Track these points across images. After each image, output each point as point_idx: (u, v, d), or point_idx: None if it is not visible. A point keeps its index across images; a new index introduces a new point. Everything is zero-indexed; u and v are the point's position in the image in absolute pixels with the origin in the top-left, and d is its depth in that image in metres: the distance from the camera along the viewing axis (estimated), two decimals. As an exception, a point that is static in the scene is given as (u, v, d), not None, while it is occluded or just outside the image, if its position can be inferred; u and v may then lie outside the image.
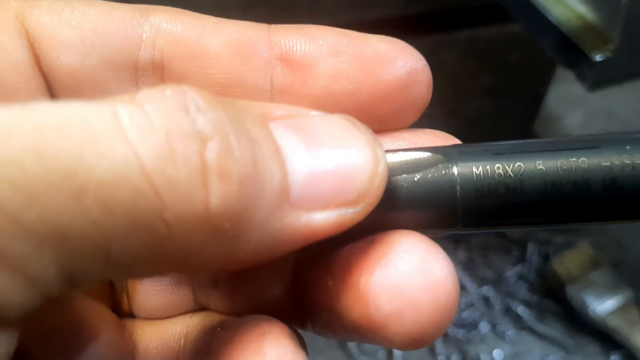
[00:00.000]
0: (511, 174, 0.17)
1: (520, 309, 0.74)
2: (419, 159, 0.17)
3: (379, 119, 0.20)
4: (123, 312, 0.22)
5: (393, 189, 0.17)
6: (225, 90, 0.20)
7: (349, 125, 0.17)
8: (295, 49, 0.20)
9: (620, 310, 0.70)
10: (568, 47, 0.45)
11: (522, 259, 0.79)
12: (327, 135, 0.17)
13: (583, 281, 0.72)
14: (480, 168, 0.17)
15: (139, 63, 0.20)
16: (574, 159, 0.16)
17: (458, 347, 0.72)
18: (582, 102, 0.92)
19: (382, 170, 0.16)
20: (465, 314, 0.74)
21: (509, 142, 0.17)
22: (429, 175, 0.17)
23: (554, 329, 0.73)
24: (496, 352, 0.71)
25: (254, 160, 0.15)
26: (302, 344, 0.19)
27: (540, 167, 0.17)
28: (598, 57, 0.43)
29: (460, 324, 0.73)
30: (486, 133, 0.75)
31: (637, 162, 0.16)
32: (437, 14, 0.63)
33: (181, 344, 0.21)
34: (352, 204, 0.16)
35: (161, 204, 0.13)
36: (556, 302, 0.74)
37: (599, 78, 0.44)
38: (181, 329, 0.21)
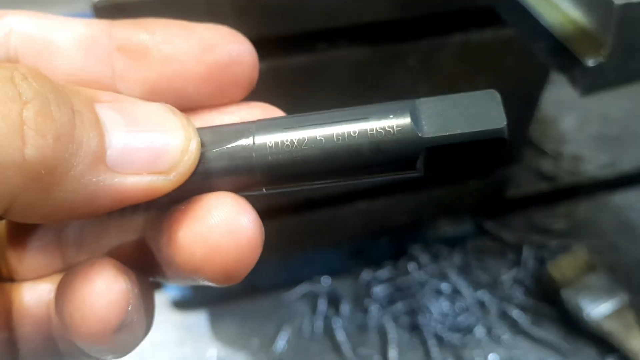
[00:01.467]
0: (297, 145, 0.20)
1: (516, 313, 0.74)
2: (228, 134, 0.21)
3: (207, 96, 0.24)
4: (2, 277, 0.25)
5: (207, 161, 0.21)
6: (71, 78, 0.23)
7: (167, 111, 0.21)
8: (131, 39, 0.23)
9: (615, 314, 0.70)
10: (561, 52, 0.45)
11: (517, 263, 0.79)
12: (147, 118, 0.20)
13: (578, 285, 0.72)
14: (273, 140, 0.21)
15: None
16: (347, 130, 0.20)
17: (453, 351, 0.71)
18: (577, 105, 0.93)
19: (193, 147, 0.20)
20: (460, 318, 0.74)
21: (299, 117, 0.21)
22: (234, 148, 0.21)
23: (549, 333, 0.73)
24: (491, 357, 0.71)
25: (71, 124, 0.18)
26: (143, 281, 0.23)
27: (320, 138, 0.20)
28: (591, 62, 0.42)
29: (455, 328, 0.73)
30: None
31: (397, 129, 0.20)
32: (431, 18, 0.63)
33: (50, 297, 0.24)
34: (164, 173, 0.20)
35: None
36: (551, 306, 0.74)
37: (591, 83, 0.44)
38: (51, 285, 0.24)
